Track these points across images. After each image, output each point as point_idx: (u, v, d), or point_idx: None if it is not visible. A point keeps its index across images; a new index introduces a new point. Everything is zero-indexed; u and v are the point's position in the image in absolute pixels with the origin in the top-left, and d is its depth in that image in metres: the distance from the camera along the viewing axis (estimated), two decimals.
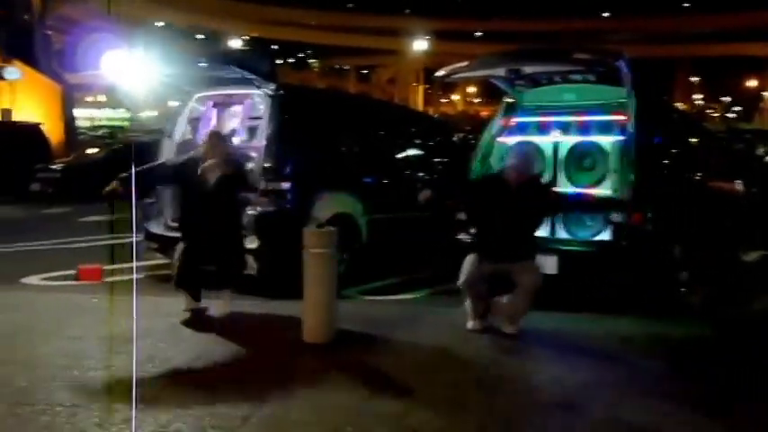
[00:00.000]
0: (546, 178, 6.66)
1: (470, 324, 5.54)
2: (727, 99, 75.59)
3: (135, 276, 4.17)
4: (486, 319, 5.55)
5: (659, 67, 51.19)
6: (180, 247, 5.94)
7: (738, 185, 9.13)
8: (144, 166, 6.15)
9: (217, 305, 5.89)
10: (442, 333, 5.41)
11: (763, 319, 6.43)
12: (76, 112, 27.28)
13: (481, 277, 5.42)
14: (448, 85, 68.61)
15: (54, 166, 16.35)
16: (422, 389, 4.19)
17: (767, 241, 9.33)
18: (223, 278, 5.92)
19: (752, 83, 69.91)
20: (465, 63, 6.79)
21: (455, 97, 77.84)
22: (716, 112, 69.99)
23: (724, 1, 60.33)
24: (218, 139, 6.09)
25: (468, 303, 5.56)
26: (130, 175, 5.81)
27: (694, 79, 71.65)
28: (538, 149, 6.87)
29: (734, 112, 72.59)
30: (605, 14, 66.83)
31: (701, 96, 72.86)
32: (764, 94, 69.01)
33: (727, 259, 8.37)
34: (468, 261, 5.45)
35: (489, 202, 5.41)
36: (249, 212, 6.74)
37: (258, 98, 7.19)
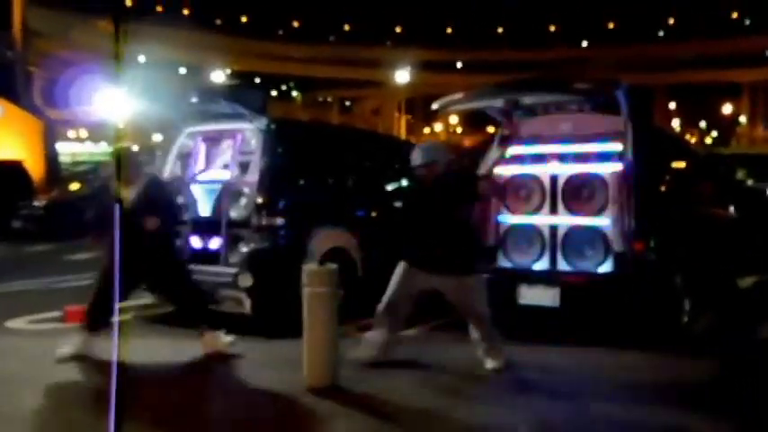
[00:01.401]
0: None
1: (366, 353, 5.23)
2: (703, 124, 76.76)
3: (117, 318, 3.95)
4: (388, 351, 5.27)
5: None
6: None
7: (731, 211, 9.14)
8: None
9: (203, 344, 5.62)
10: (446, 371, 5.25)
11: (764, 347, 6.35)
12: (58, 148, 26.97)
13: (409, 296, 5.18)
14: (430, 115, 69.03)
15: (37, 203, 16.08)
16: None
17: (760, 266, 9.33)
18: (188, 315, 5.60)
19: (727, 108, 71.09)
20: (461, 94, 6.73)
21: (438, 127, 78.23)
22: (694, 137, 70.94)
23: (698, 29, 61.62)
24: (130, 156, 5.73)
25: (375, 330, 5.24)
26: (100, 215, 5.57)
27: (672, 105, 72.68)
28: (536, 180, 6.79)
29: (711, 137, 73.65)
30: (584, 44, 67.92)
31: (678, 122, 73.84)
32: (741, 118, 70.20)
33: (726, 286, 8.32)
34: (398, 275, 5.19)
35: (414, 208, 5.25)
36: (242, 249, 6.61)
37: (250, 133, 7.06)
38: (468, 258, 5.13)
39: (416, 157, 5.25)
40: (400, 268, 5.21)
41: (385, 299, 5.19)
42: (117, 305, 4.22)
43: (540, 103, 6.80)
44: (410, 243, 5.21)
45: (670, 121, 67.26)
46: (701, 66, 63.34)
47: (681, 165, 8.33)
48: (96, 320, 5.37)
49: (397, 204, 5.53)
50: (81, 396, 4.60)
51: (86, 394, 4.62)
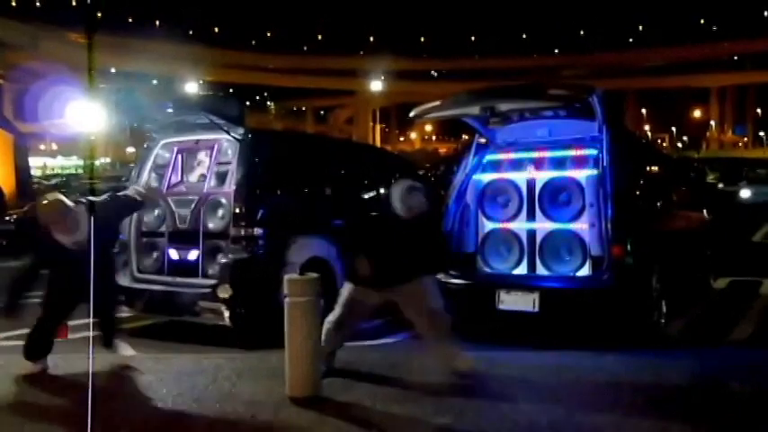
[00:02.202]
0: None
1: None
2: (674, 129, 77.97)
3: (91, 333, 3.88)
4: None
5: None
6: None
7: (705, 214, 9.30)
8: None
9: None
10: (428, 380, 5.22)
11: (741, 348, 6.44)
12: (30, 161, 26.60)
13: (359, 313, 5.19)
14: (404, 124, 69.33)
15: (7, 218, 15.80)
16: None
17: (733, 268, 9.50)
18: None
19: (697, 113, 72.33)
20: (437, 102, 6.76)
21: (412, 135, 78.55)
22: (665, 142, 72.01)
23: (667, 35, 62.64)
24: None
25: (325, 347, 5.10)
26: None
27: (643, 111, 73.72)
28: (513, 185, 6.84)
29: (682, 141, 74.82)
30: (556, 51, 68.67)
31: (648, 127, 74.89)
32: (711, 123, 71.44)
33: (701, 288, 8.45)
34: (346, 294, 5.15)
35: (378, 234, 5.17)
36: (221, 260, 6.56)
37: (226, 143, 7.02)
38: (416, 267, 5.12)
39: (397, 202, 5.10)
40: (350, 290, 5.16)
41: (334, 318, 5.14)
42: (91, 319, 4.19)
43: (516, 109, 6.85)
44: (363, 264, 5.08)
45: (641, 126, 68.24)
46: (670, 71, 64.37)
47: (654, 169, 8.46)
48: (36, 349, 5.44)
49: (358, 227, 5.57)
50: (58, 413, 4.52)
51: (61, 410, 4.54)
